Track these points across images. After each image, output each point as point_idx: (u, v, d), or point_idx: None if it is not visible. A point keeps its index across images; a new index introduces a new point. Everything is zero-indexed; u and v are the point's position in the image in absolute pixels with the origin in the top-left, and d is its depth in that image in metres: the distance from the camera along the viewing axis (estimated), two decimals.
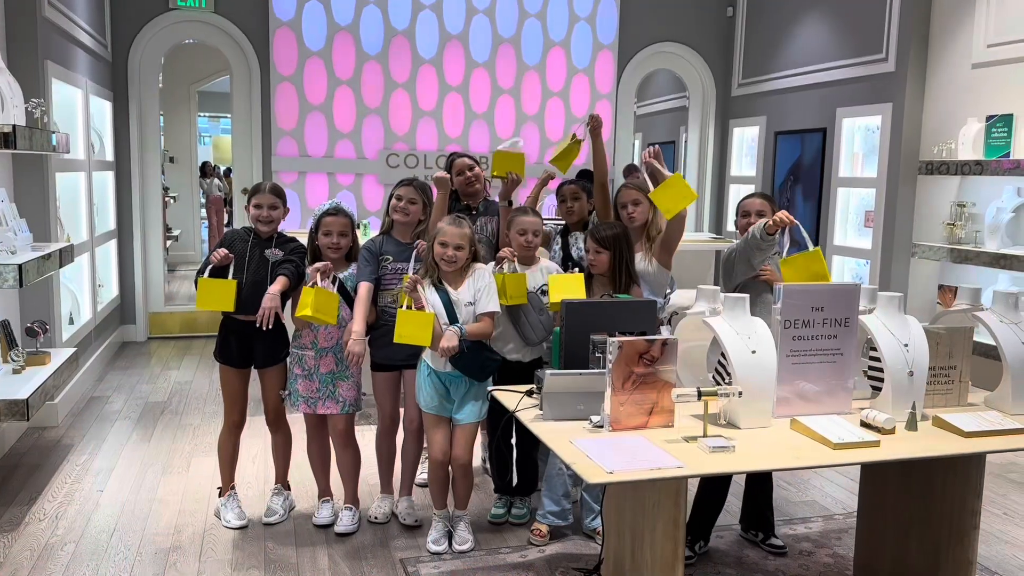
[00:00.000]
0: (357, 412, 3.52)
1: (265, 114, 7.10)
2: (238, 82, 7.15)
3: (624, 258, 3.31)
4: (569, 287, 3.17)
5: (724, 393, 2.41)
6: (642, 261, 3.52)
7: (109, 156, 6.68)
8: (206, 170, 12.99)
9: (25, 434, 4.66)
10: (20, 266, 3.46)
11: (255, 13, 6.99)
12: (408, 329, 3.11)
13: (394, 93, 7.28)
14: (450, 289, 3.24)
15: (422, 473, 4.00)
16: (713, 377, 2.98)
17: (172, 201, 11.31)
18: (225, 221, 12.66)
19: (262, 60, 7.04)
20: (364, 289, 3.37)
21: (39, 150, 4.12)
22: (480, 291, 3.24)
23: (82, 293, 5.78)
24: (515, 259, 3.39)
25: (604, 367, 2.67)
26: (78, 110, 5.63)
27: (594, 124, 3.86)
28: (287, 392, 3.47)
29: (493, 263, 3.47)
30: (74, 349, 4.45)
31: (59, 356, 4.22)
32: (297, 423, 3.66)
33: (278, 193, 3.45)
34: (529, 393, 2.80)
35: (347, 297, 3.40)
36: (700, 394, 2.40)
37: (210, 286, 3.27)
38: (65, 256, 4.33)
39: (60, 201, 5.46)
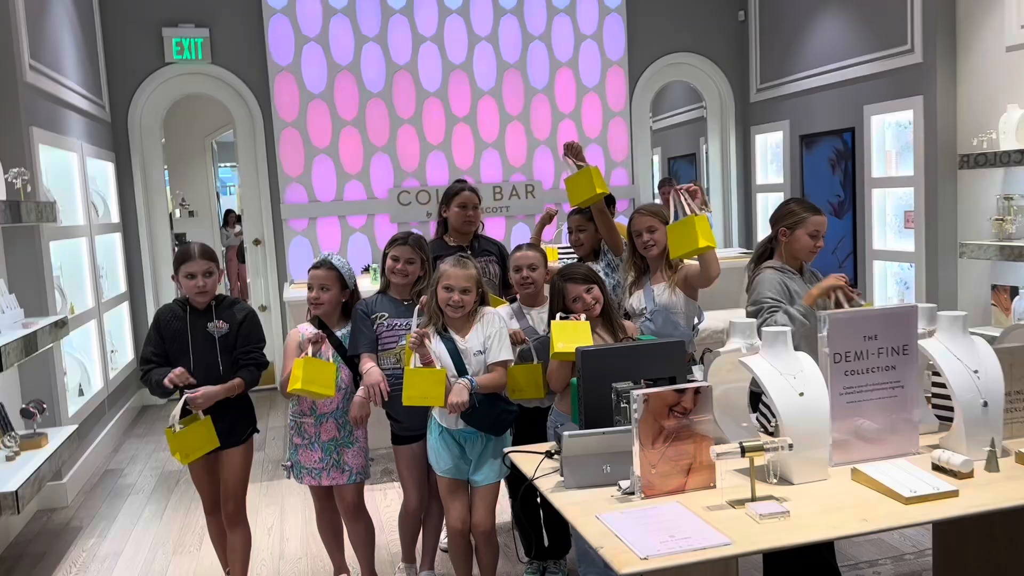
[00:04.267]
0: (366, 480, 3.22)
1: (271, 161, 6.92)
2: (241, 131, 6.99)
3: (606, 298, 3.00)
4: (574, 335, 2.79)
5: (772, 447, 2.08)
6: (664, 292, 3.21)
7: (115, 218, 6.53)
8: (228, 219, 12.92)
9: (33, 518, 4.44)
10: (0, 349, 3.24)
11: (253, 61, 6.84)
12: (418, 390, 2.82)
13: (400, 129, 7.06)
14: (456, 337, 2.95)
15: (445, 538, 3.69)
16: (758, 419, 2.65)
17: None
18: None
19: (264, 107, 6.87)
20: (369, 362, 3.06)
21: (24, 221, 3.93)
22: (490, 338, 2.96)
23: (91, 362, 5.58)
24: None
25: (631, 421, 2.37)
26: (74, 174, 5.47)
27: (569, 152, 3.59)
28: (289, 464, 3.19)
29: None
30: (75, 427, 4.22)
31: (59, 436, 3.99)
32: (298, 494, 3.37)
33: (210, 256, 3.06)
34: (549, 454, 2.48)
35: (346, 357, 3.13)
36: (744, 450, 2.07)
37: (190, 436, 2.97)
38: (58, 329, 4.12)
39: (61, 270, 5.30)
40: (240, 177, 7.18)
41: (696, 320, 3.35)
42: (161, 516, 4.41)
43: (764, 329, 2.29)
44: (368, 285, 5.00)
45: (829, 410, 2.23)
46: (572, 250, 4.11)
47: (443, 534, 3.61)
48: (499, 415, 2.95)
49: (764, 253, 3.20)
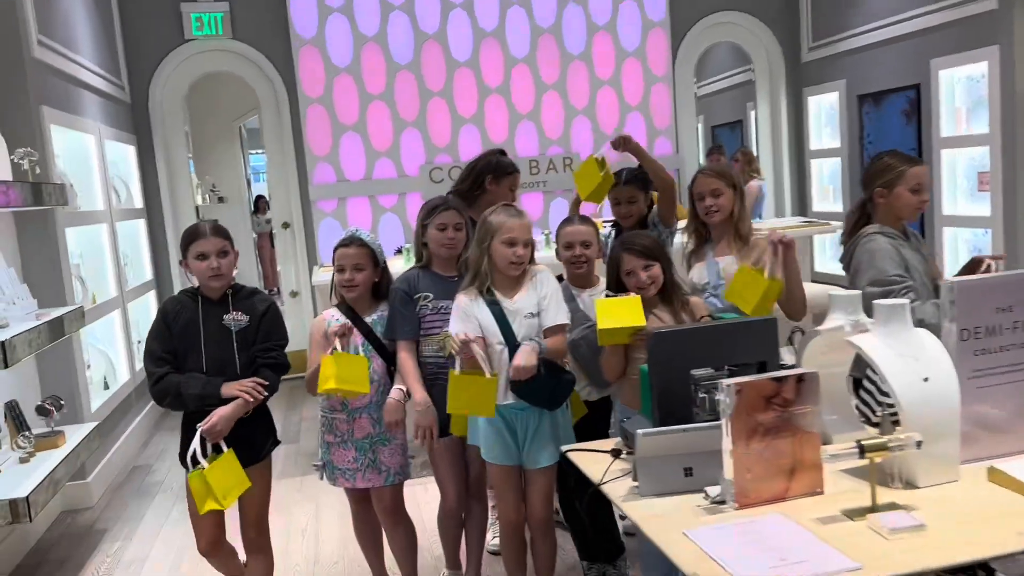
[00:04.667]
0: (406, 480, 2.90)
1: (297, 140, 6.61)
2: (266, 109, 6.68)
3: (668, 277, 2.65)
4: (622, 312, 2.42)
5: (897, 445, 1.71)
6: (733, 266, 2.82)
7: (138, 203, 6.28)
8: (259, 206, 12.70)
9: (56, 520, 4.21)
10: (3, 343, 2.96)
11: (275, 34, 6.52)
12: (464, 398, 2.49)
13: (431, 102, 6.70)
14: (503, 299, 2.59)
15: (493, 539, 3.37)
16: (858, 408, 2.27)
17: None
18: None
19: (288, 83, 6.55)
20: (405, 353, 2.74)
21: (33, 205, 3.66)
22: (546, 299, 2.61)
23: (117, 354, 5.34)
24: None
25: (715, 415, 2.00)
26: (92, 157, 5.21)
27: (621, 145, 3.24)
28: (321, 463, 2.88)
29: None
30: (94, 424, 3.97)
31: (77, 433, 3.74)
32: (334, 491, 3.06)
33: (223, 234, 2.66)
34: (616, 453, 2.13)
35: (377, 344, 2.80)
36: (863, 450, 1.70)
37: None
38: (75, 320, 3.86)
39: (82, 258, 5.06)
40: (267, 158, 6.89)
41: None
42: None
43: (878, 303, 1.91)
44: (400, 269, 4.66)
45: (959, 397, 1.85)
46: (614, 223, 3.76)
47: (489, 535, 3.29)
48: (557, 386, 2.58)
49: (859, 220, 2.81)
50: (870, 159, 2.94)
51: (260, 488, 2.71)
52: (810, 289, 3.27)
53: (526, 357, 2.48)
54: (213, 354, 2.63)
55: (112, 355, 5.29)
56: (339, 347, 2.60)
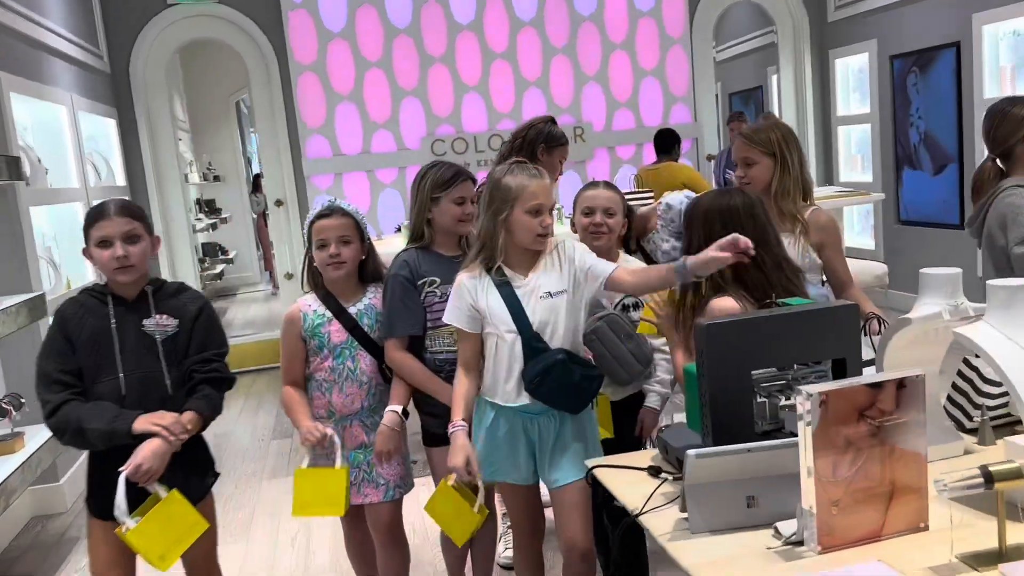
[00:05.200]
0: (407, 493, 2.50)
1: (289, 111, 6.18)
2: (255, 79, 6.24)
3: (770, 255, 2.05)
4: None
5: None
6: (789, 248, 2.40)
7: (120, 181, 5.87)
8: (258, 184, 12.28)
9: (27, 526, 3.85)
10: None
11: None
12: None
13: (431, 69, 6.26)
14: (515, 277, 2.13)
15: (506, 550, 2.99)
16: (948, 411, 1.87)
17: (223, 222, 10.64)
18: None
19: (278, 50, 6.11)
20: (402, 354, 2.36)
21: None
22: (585, 265, 2.13)
23: None
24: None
25: (776, 422, 1.61)
26: (64, 131, 4.80)
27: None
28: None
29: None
30: None
31: (40, 435, 3.36)
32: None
33: (135, 213, 2.14)
34: (655, 472, 1.74)
35: (364, 339, 2.39)
36: (990, 479, 1.29)
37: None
38: (36, 309, 3.47)
39: (55, 240, 4.67)
40: (257, 131, 6.47)
41: (823, 278, 2.54)
42: None
43: (994, 283, 1.50)
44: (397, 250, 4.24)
45: None
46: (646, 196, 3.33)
47: (500, 547, 2.92)
48: (582, 382, 2.12)
49: (991, 177, 2.47)
50: (989, 112, 2.56)
51: (206, 537, 2.16)
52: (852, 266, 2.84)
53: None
54: (133, 371, 2.08)
55: None
56: (306, 462, 2.26)
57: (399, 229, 5.67)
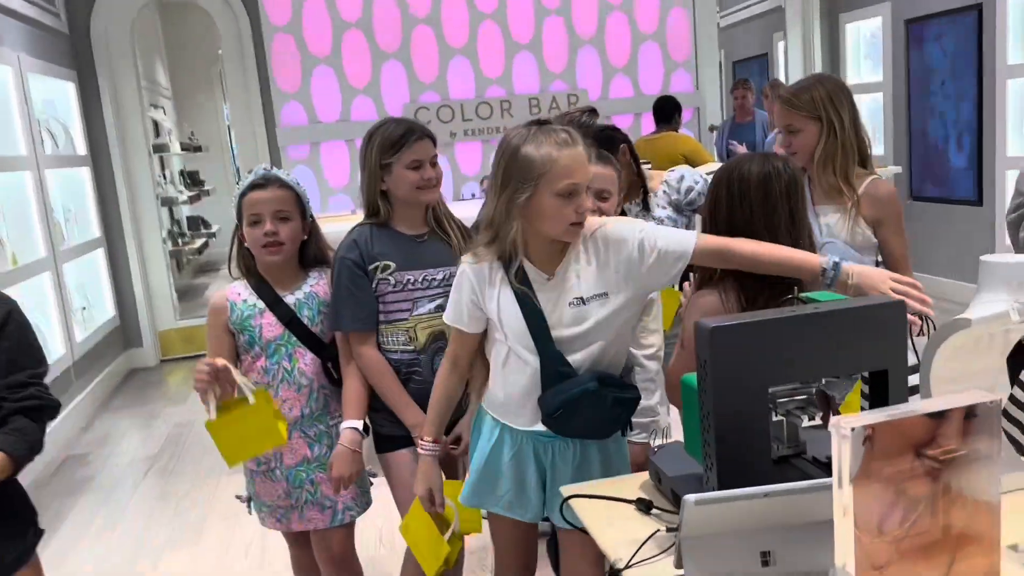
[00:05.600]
0: (359, 515, 2.11)
1: (263, 76, 5.77)
2: (227, 42, 5.83)
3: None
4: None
5: None
6: (838, 221, 2.05)
7: (81, 150, 5.49)
8: None
9: None
10: None
11: None
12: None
13: (415, 31, 5.85)
14: (538, 279, 1.63)
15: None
16: (1007, 432, 1.52)
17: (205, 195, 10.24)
18: None
19: (250, 9, 5.69)
20: (363, 348, 1.99)
21: None
22: (647, 248, 1.60)
23: (48, 324, 4.61)
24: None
25: (796, 445, 1.27)
26: (9, 94, 4.41)
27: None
28: (246, 497, 2.14)
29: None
30: None
31: None
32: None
33: None
34: (645, 506, 1.40)
35: (304, 334, 2.02)
36: None
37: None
38: None
39: (1, 212, 4.30)
40: (228, 97, 6.08)
41: (876, 257, 2.17)
42: (115, 527, 3.45)
43: None
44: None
45: None
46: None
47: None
48: (612, 410, 1.63)
49: None
50: None
51: None
52: None
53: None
54: None
55: (43, 325, 4.55)
56: (212, 406, 1.81)
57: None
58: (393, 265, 2.01)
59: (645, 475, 1.52)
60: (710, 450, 1.21)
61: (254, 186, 1.97)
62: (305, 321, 2.01)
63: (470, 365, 1.78)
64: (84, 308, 5.26)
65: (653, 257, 1.59)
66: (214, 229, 10.78)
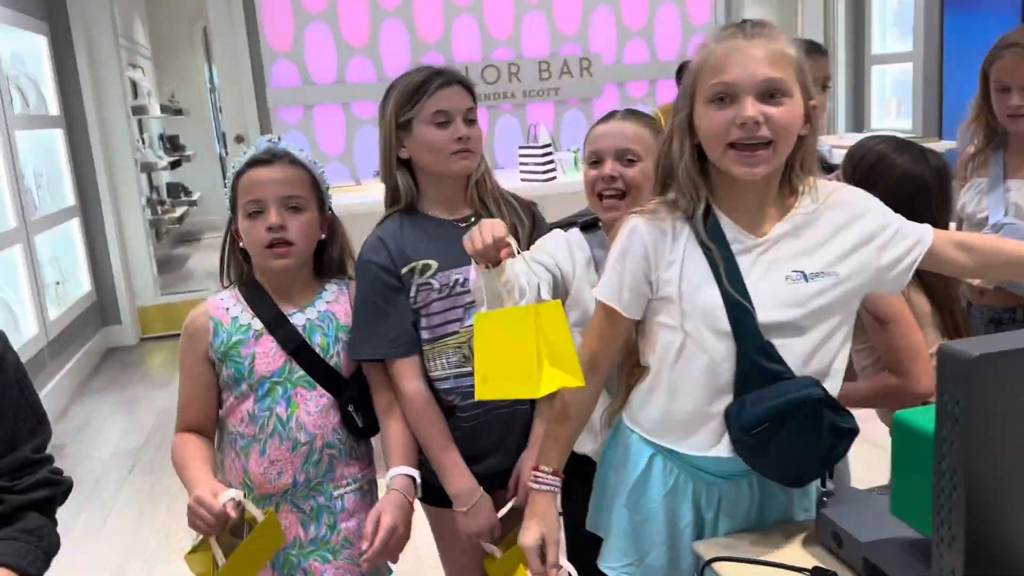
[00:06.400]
0: None
1: (252, 32, 5.34)
2: None
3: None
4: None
5: None
6: None
7: (53, 110, 5.04)
8: None
9: None
10: None
11: None
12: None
13: None
14: (740, 237, 1.24)
15: None
16: None
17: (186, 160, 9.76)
18: None
19: None
20: (411, 400, 1.55)
21: None
22: (886, 228, 1.26)
23: (19, 300, 4.21)
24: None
25: None
26: None
27: None
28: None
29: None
30: None
31: None
32: None
33: None
34: None
35: (314, 366, 1.52)
36: None
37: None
38: None
39: None
40: (215, 56, 5.63)
41: None
42: (109, 516, 3.13)
43: None
44: (373, 211, 3.34)
45: None
46: None
47: None
48: (828, 436, 1.18)
49: None
50: None
51: None
52: None
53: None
54: None
55: (13, 302, 4.16)
56: (219, 557, 1.37)
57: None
58: (435, 264, 1.56)
59: (795, 530, 1.20)
60: (950, 520, 0.89)
61: (255, 162, 1.49)
62: (317, 349, 1.51)
63: (609, 370, 1.34)
64: (58, 283, 4.85)
65: (882, 245, 1.22)
66: (195, 196, 10.31)
